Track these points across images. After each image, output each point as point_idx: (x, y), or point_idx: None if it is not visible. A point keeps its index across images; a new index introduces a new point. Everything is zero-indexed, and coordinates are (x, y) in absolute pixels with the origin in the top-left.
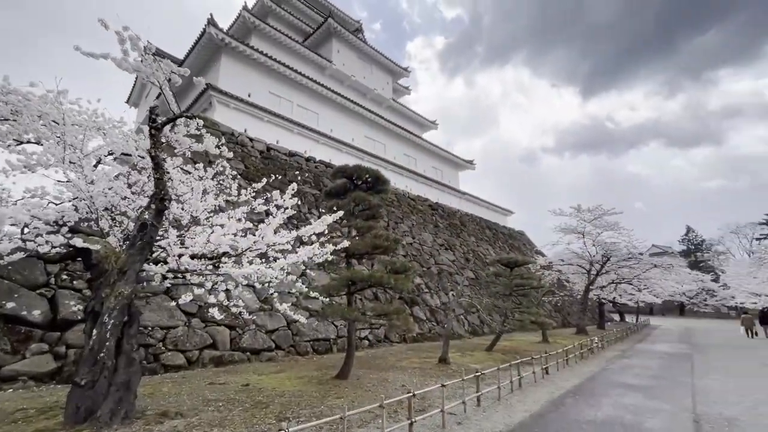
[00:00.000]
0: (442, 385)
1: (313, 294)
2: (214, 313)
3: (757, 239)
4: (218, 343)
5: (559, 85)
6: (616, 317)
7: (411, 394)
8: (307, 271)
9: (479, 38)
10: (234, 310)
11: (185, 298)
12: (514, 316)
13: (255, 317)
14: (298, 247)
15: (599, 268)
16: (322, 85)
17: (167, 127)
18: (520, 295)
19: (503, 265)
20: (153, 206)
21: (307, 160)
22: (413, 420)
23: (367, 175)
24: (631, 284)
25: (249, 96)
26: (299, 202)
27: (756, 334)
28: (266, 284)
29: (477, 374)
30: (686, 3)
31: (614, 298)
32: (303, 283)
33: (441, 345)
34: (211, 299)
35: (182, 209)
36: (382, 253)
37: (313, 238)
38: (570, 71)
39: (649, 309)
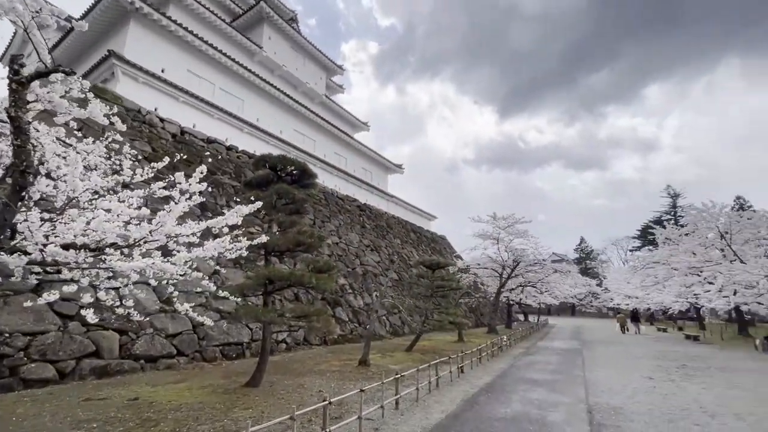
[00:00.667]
0: (361, 390)
1: (223, 293)
2: (89, 315)
3: (631, 250)
4: (103, 351)
5: (480, 102)
6: (521, 317)
7: (327, 402)
8: (219, 268)
9: (412, 49)
10: (120, 311)
11: (47, 297)
12: (433, 317)
13: (152, 319)
14: (208, 240)
15: (510, 271)
16: (250, 71)
17: (38, 86)
18: (440, 297)
19: (426, 267)
20: (9, 180)
21: (228, 149)
22: (328, 430)
23: (292, 167)
24: (535, 287)
25: (162, 72)
26: (215, 192)
27: (628, 329)
28: (165, 282)
29: (396, 376)
30: (585, 43)
31: (521, 299)
32: (215, 282)
33: (362, 347)
34: (86, 298)
35: (55, 188)
36: (305, 251)
37: (226, 230)
38: (491, 91)
39: (547, 309)
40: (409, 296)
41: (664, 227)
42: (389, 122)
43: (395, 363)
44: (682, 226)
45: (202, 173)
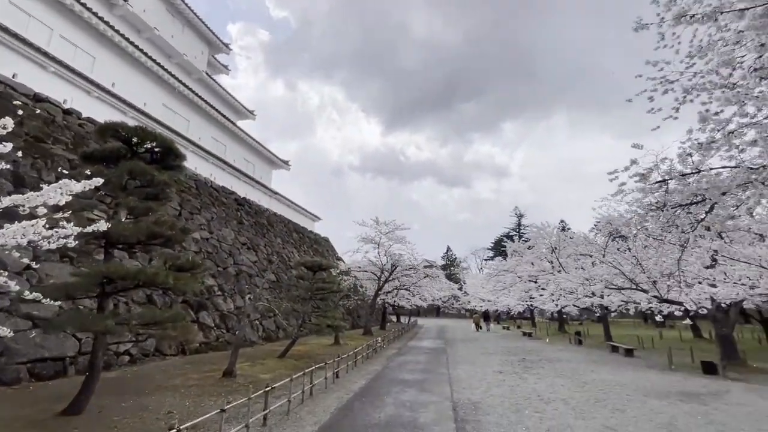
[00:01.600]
0: (222, 410)
1: (31, 295)
2: None
3: (486, 260)
4: None
5: (368, 112)
6: (394, 318)
7: (175, 430)
8: (31, 262)
9: (307, 47)
10: None
11: None
12: (311, 320)
13: None
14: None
15: (388, 275)
16: (106, 23)
17: None
18: (320, 299)
19: (307, 268)
20: None
21: (67, 113)
22: None
23: (154, 143)
24: (409, 290)
25: None
26: (40, 163)
27: (480, 327)
28: None
29: (266, 389)
30: (460, 74)
31: (395, 301)
32: (29, 279)
33: (229, 355)
34: None
35: None
36: (164, 245)
37: (43, 211)
38: (379, 103)
39: (417, 311)
40: (287, 299)
41: (513, 241)
42: (277, 116)
43: (266, 372)
44: (525, 240)
45: (4, 128)
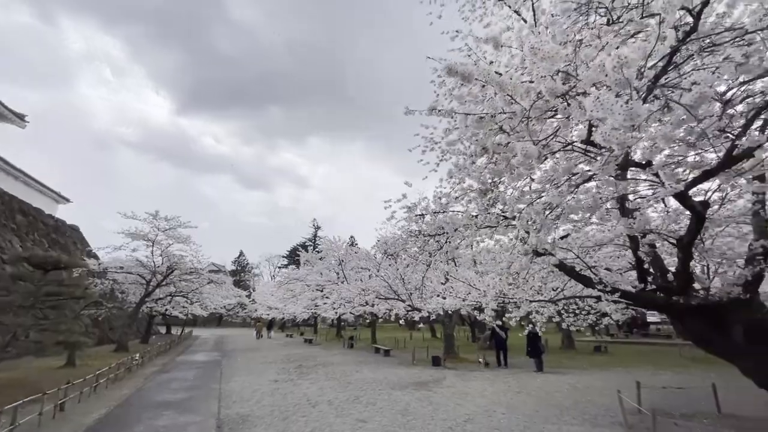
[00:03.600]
0: None
1: None
2: None
3: (280, 267)
4: None
5: (158, 82)
6: (163, 330)
7: None
8: None
9: None
10: None
11: None
12: (28, 336)
13: None
14: None
15: (161, 279)
16: None
17: None
18: (50, 308)
19: (33, 266)
20: None
21: None
22: None
23: None
24: (187, 297)
25: None
26: None
27: (262, 335)
28: None
29: None
30: (276, 73)
31: (167, 310)
32: None
33: None
34: None
35: None
36: None
37: None
38: (176, 78)
39: (194, 321)
40: None
41: (307, 251)
42: (19, 52)
43: None
44: (319, 251)
45: None
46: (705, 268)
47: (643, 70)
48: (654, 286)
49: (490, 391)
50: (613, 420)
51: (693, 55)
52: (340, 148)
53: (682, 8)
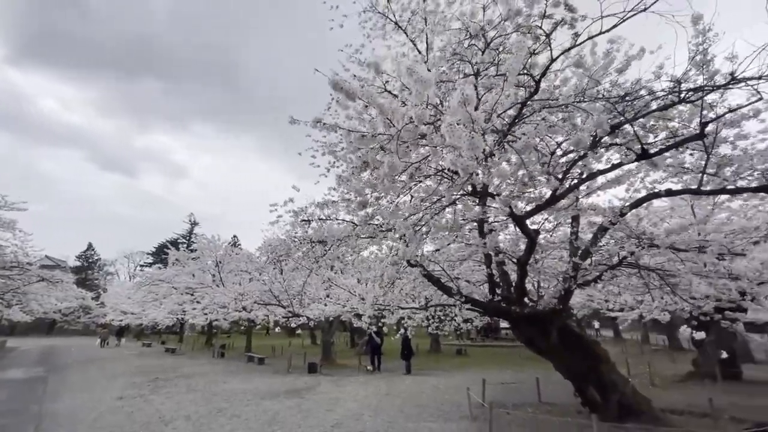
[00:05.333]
0: None
1: None
2: None
3: (142, 266)
4: None
5: None
6: None
7: None
8: None
9: None
10: None
11: None
12: None
13: None
14: None
15: None
16: None
17: None
18: None
19: None
20: None
21: None
22: None
23: None
24: (2, 299)
25: None
26: None
27: (108, 343)
28: None
29: None
30: (160, 41)
31: None
32: None
33: None
34: None
35: None
36: None
37: None
38: (14, 16)
39: (10, 328)
40: None
41: (179, 249)
42: None
43: None
44: (193, 250)
45: None
46: (536, 283)
47: (490, 115)
48: (500, 297)
49: (362, 395)
50: (462, 414)
51: (537, 111)
52: (229, 139)
53: (528, 74)
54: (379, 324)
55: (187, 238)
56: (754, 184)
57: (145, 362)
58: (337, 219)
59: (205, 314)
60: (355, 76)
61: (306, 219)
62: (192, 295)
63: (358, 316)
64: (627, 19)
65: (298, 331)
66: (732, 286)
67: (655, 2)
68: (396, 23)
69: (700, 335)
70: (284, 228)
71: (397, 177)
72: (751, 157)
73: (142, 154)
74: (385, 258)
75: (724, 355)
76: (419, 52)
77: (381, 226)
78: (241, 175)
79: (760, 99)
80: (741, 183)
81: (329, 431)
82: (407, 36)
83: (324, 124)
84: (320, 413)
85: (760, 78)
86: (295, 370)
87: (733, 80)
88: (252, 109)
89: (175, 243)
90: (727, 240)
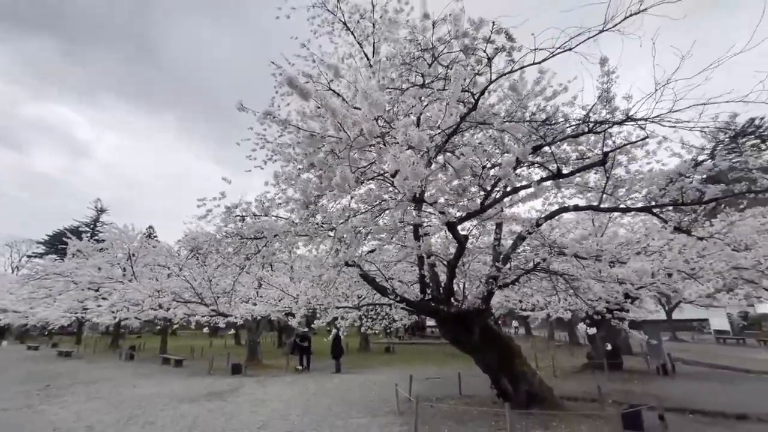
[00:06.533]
0: None
1: None
2: None
3: (30, 256)
4: None
5: None
6: None
7: None
8: None
9: None
10: None
11: None
12: None
13: None
14: None
15: None
16: None
17: None
18: None
19: None
20: None
21: None
22: None
23: None
24: None
25: None
26: None
27: None
28: None
29: None
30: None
31: None
32: None
33: None
34: None
35: None
36: None
37: None
38: None
39: None
40: None
41: (81, 238)
42: None
43: None
44: (100, 240)
45: None
46: (462, 285)
47: (434, 135)
48: (430, 297)
49: (289, 395)
50: (390, 409)
51: (473, 126)
52: (144, 117)
53: (468, 91)
54: (311, 326)
55: (92, 226)
56: (638, 205)
57: (31, 368)
58: (275, 215)
59: (113, 312)
60: (301, 72)
61: (241, 215)
62: (97, 291)
63: (290, 314)
64: (555, 55)
65: (224, 333)
66: (619, 290)
67: (579, 45)
68: (345, 24)
69: (593, 331)
70: (213, 221)
71: (347, 185)
72: (639, 181)
73: (33, 126)
74: (324, 258)
75: (609, 347)
76: (365, 56)
77: (322, 225)
78: (156, 158)
79: (647, 137)
80: (629, 203)
81: None
82: (355, 38)
83: (274, 117)
84: (245, 415)
85: (646, 120)
86: (216, 372)
87: (628, 119)
88: (173, 90)
89: (76, 231)
90: (616, 250)
